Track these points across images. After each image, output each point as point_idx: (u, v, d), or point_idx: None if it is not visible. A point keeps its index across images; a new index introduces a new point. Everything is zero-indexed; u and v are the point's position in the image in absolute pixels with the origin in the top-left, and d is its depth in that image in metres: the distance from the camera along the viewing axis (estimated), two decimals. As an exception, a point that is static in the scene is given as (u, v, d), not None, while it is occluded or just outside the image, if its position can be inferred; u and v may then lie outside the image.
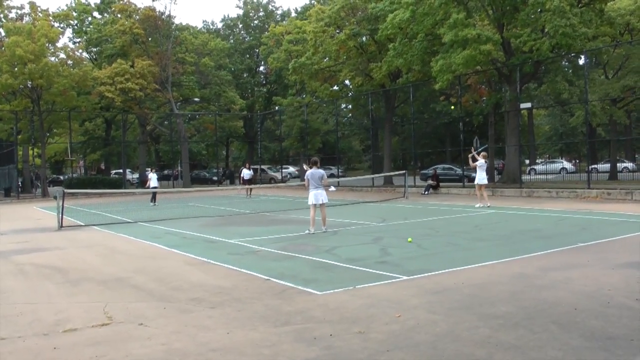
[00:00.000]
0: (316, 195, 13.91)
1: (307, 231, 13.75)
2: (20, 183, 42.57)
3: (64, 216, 17.51)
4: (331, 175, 55.67)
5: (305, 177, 14.26)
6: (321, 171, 14.24)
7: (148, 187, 26.99)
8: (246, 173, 30.42)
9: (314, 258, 10.13)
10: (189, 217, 19.39)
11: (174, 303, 7.26)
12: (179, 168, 53.42)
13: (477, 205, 18.65)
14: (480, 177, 19.06)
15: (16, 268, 10.40)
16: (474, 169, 19.65)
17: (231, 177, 54.13)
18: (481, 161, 19.01)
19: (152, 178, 26.45)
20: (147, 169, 40.09)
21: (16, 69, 35.87)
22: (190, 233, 14.73)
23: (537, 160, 57.42)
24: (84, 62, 42.43)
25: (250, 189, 30.37)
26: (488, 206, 18.61)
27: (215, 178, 49.85)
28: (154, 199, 26.53)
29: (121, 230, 16.08)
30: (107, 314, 6.79)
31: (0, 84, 35.28)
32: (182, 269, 9.68)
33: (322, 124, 51.55)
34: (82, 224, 18.52)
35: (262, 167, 49.65)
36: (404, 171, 27.80)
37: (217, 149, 55.28)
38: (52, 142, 53.57)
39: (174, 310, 6.91)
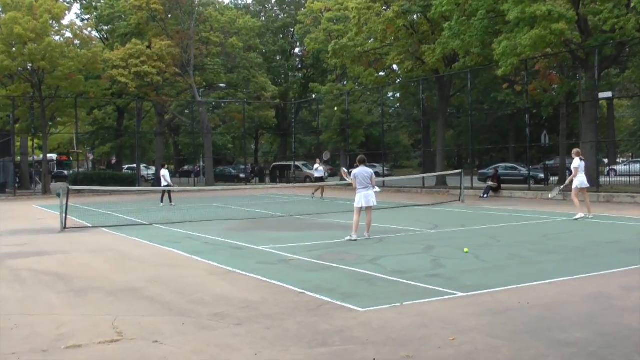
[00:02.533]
0: (366, 197, 13.91)
1: (348, 237, 13.72)
2: (17, 178, 43.54)
3: (68, 216, 17.79)
4: (375, 174, 55.56)
5: (352, 177, 14.24)
6: (370, 170, 14.17)
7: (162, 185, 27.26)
8: (318, 170, 30.35)
9: (355, 269, 10.08)
10: (212, 220, 19.51)
11: (194, 318, 7.28)
12: (201, 163, 53.96)
13: (578, 217, 17.08)
14: (580, 181, 17.43)
15: (12, 274, 10.58)
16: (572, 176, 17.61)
17: (261, 174, 54.47)
18: (577, 161, 17.31)
19: (165, 175, 26.71)
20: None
21: (14, 49, 36.28)
22: (213, 238, 14.81)
23: (618, 160, 56.18)
24: (94, 42, 43.06)
25: (322, 190, 29.75)
26: (591, 217, 17.28)
27: (242, 175, 50.19)
28: (168, 198, 26.71)
29: (134, 233, 16.28)
30: (117, 329, 6.83)
31: None
32: (203, 279, 9.72)
33: (365, 115, 51.50)
34: (89, 225, 18.82)
35: (297, 163, 49.76)
36: (460, 170, 27.51)
37: (245, 142, 55.72)
38: (56, 132, 54.59)
39: (193, 326, 6.93)
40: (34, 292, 8.99)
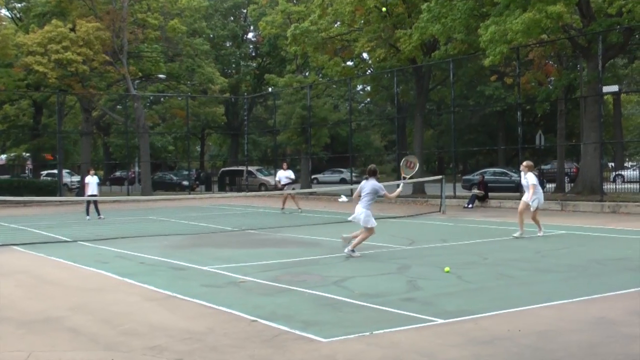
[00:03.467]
0: (356, 213, 14.15)
1: (349, 251, 13.89)
2: None
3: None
4: (342, 181, 55.72)
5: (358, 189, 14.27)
6: (372, 184, 14.09)
7: (86, 195, 26.91)
8: (283, 176, 29.59)
9: (318, 292, 10.08)
10: (148, 236, 19.34)
11: (125, 353, 7.19)
12: (137, 169, 53.50)
13: (517, 234, 16.74)
14: (540, 200, 17.24)
15: None
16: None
17: (208, 181, 54.24)
18: (532, 177, 17.00)
19: (91, 182, 26.41)
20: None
21: None
22: (150, 257, 14.70)
23: (627, 164, 57.22)
24: (3, 23, 42.32)
25: (293, 197, 29.15)
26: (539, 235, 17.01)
27: (185, 183, 49.89)
28: (95, 210, 26.40)
29: (54, 252, 16.01)
30: (33, 367, 6.72)
31: None
32: (138, 305, 9.63)
33: (330, 111, 51.61)
34: (-1, 242, 18.50)
35: (250, 168, 49.68)
36: (441, 176, 27.73)
37: (189, 143, 55.42)
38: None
39: (125, 361, 6.84)
40: None
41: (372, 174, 14.22)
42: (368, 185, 14.05)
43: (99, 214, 26.33)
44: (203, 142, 72.23)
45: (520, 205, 17.24)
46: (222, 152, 79.93)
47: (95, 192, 26.49)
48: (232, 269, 12.62)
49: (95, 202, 26.72)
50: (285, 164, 30.96)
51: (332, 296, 9.78)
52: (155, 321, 8.58)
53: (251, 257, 14.24)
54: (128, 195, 43.20)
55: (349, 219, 14.63)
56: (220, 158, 78.74)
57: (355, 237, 14.28)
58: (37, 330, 8.26)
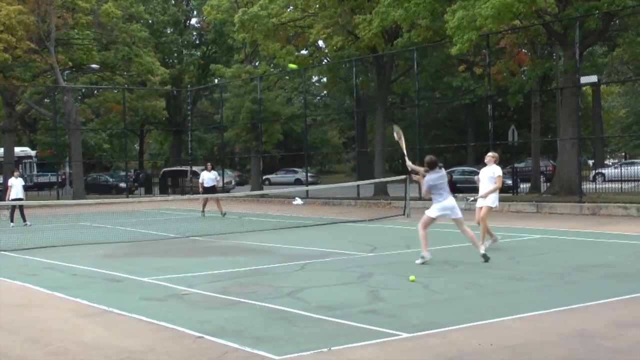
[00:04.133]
0: (452, 208, 13.83)
1: (420, 260, 13.63)
2: None
3: None
4: (297, 182, 55.78)
5: (425, 186, 13.93)
6: (444, 172, 14.13)
7: (8, 199, 26.52)
8: (207, 178, 29.73)
9: (270, 305, 10.08)
10: (80, 244, 19.16)
11: (55, 374, 7.10)
12: (67, 169, 52.87)
13: (486, 246, 15.02)
14: (494, 198, 15.96)
15: None
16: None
17: (147, 182, 53.87)
18: (498, 169, 16.02)
19: (15, 185, 26.06)
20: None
21: None
22: (83, 268, 14.56)
23: (608, 162, 58.10)
24: None
25: (217, 202, 29.26)
26: (491, 243, 15.91)
27: (122, 185, 49.52)
28: (20, 216, 26.09)
29: (-25, 263, 15.77)
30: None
31: None
32: (69, 322, 9.53)
33: (283, 105, 51.56)
34: None
35: (194, 168, 49.42)
36: (404, 176, 27.85)
37: (127, 141, 54.98)
38: None
39: (54, 385, 6.78)
40: None
41: (434, 164, 13.93)
42: (442, 174, 13.96)
43: (24, 220, 26.00)
44: (142, 140, 71.71)
45: (483, 212, 15.71)
46: (164, 150, 79.43)
47: (20, 195, 26.14)
48: (175, 279, 12.56)
49: (20, 207, 26.41)
50: (209, 164, 30.93)
51: (286, 309, 9.78)
52: (88, 339, 8.49)
53: (196, 267, 14.19)
54: (58, 199, 42.73)
55: (458, 216, 13.90)
56: (161, 157, 78.31)
57: (473, 238, 14.01)
58: (-45, 352, 8.11)
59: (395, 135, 17.92)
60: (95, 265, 14.76)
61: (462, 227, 13.98)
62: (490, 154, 16.44)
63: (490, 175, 15.80)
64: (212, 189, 29.65)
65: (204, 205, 29.30)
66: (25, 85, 47.19)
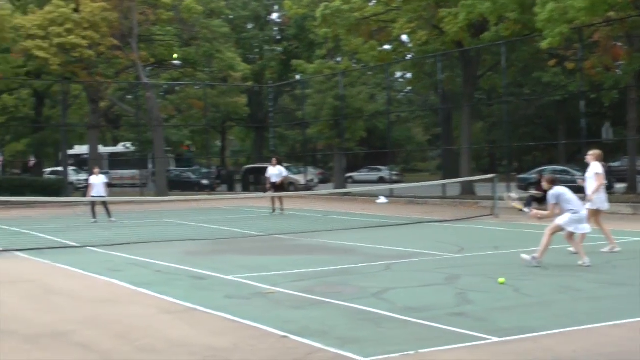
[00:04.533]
0: (583, 222, 13.70)
1: (531, 260, 13.42)
2: None
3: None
4: (381, 180, 55.66)
5: (550, 201, 13.73)
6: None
7: (88, 196, 27.06)
8: (273, 173, 29.79)
9: (355, 305, 10.08)
10: (164, 241, 19.46)
11: (142, 371, 7.26)
12: (150, 166, 53.79)
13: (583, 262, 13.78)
14: (602, 198, 15.85)
15: None
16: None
17: (230, 180, 54.42)
18: (598, 166, 15.82)
19: (95, 183, 26.58)
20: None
21: None
22: (166, 264, 14.80)
23: None
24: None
25: (280, 200, 29.38)
26: (616, 251, 15.45)
27: (205, 182, 50.12)
28: (106, 211, 26.58)
29: (61, 258, 16.19)
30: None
31: None
32: (155, 319, 9.71)
33: (366, 102, 51.50)
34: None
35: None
36: (493, 175, 27.59)
37: (208, 138, 55.65)
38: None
39: (142, 381, 6.93)
40: None
41: (555, 182, 13.80)
42: (569, 192, 13.72)
43: (109, 217, 26.51)
44: (224, 136, 72.44)
45: (592, 216, 15.19)
46: (246, 147, 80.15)
47: (102, 193, 26.60)
48: (258, 278, 12.65)
49: (104, 203, 26.91)
50: (274, 159, 30.86)
51: (372, 310, 9.76)
52: (174, 336, 8.64)
53: (280, 265, 14.28)
54: (142, 195, 43.47)
55: (586, 231, 13.91)
56: (243, 154, 79.04)
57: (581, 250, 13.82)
58: (45, 346, 8.36)
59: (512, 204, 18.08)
60: (179, 262, 14.98)
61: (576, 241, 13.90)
62: (590, 152, 16.21)
63: (589, 174, 15.67)
64: (277, 185, 29.77)
65: (274, 202, 29.33)
66: (109, 82, 48.08)
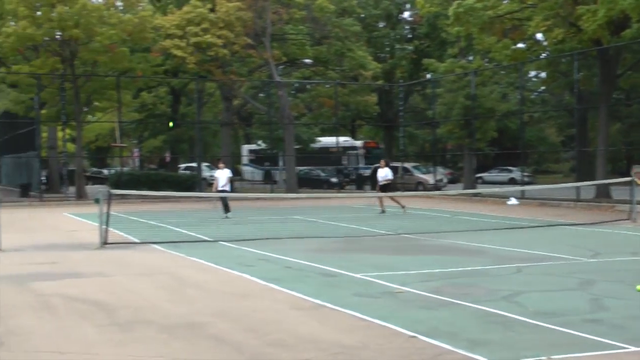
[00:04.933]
0: None
1: None
2: (44, 178, 45.18)
3: (109, 228, 18.36)
4: (511, 181, 54.76)
5: None
6: None
7: (215, 190, 27.56)
8: (380, 175, 30.01)
9: (485, 308, 10.00)
10: (294, 237, 19.78)
11: (272, 365, 7.40)
12: (281, 163, 54.56)
13: None
14: None
15: (39, 300, 11.09)
16: None
17: (359, 178, 54.57)
18: None
19: (220, 177, 27.06)
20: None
21: (39, 12, 37.42)
22: (296, 261, 15.02)
23: None
24: (141, 5, 43.83)
25: (394, 199, 29.44)
26: None
27: (334, 180, 50.42)
28: (226, 207, 27.15)
29: (194, 252, 16.69)
30: (174, 376, 7.06)
31: (16, 34, 36.64)
32: (284, 314, 9.87)
33: (498, 101, 50.73)
34: (136, 240, 19.50)
35: (406, 165, 49.68)
36: (631, 178, 26.72)
37: (337, 136, 55.95)
38: (93, 121, 56.17)
39: (272, 375, 7.05)
40: (66, 324, 9.37)
41: None
42: None
43: (225, 211, 26.87)
44: (353, 135, 72.72)
45: None
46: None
47: (226, 187, 27.09)
48: (387, 277, 12.69)
49: (222, 198, 27.41)
50: (382, 161, 30.95)
51: (502, 312, 9.67)
52: (303, 332, 8.76)
53: (409, 265, 14.29)
54: (272, 192, 44.13)
55: None
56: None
57: None
58: (180, 336, 8.63)
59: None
60: (308, 259, 15.17)
61: None
62: None
63: None
64: (387, 185, 29.61)
65: (382, 203, 29.25)
66: (242, 80, 49.05)
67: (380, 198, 29.34)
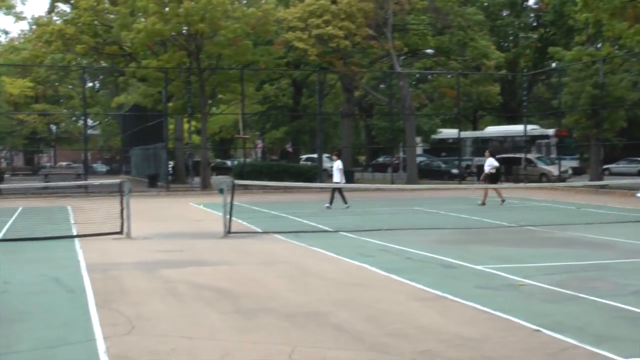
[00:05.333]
0: None
1: None
2: (171, 169, 46.47)
3: (232, 218, 18.71)
4: (639, 173, 52.98)
5: None
6: None
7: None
8: (487, 164, 29.77)
9: (612, 303, 9.76)
10: (414, 229, 19.72)
11: (392, 356, 7.41)
12: (401, 154, 54.43)
13: None
14: None
15: (166, 286, 11.46)
16: None
17: (480, 169, 53.87)
18: None
19: (335, 169, 27.14)
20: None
21: (167, 9, 38.64)
22: (416, 252, 14.98)
23: None
24: (264, -1, 44.57)
25: (498, 191, 29.13)
26: None
27: (454, 171, 49.99)
28: (331, 197, 27.18)
29: (315, 242, 16.86)
30: (296, 363, 7.14)
31: (146, 30, 37.96)
32: (405, 305, 9.87)
33: (628, 90, 49.17)
34: (259, 230, 19.80)
35: (529, 156, 48.72)
36: None
37: (460, 127, 55.38)
38: (217, 113, 57.35)
39: (392, 365, 7.05)
40: (192, 310, 9.65)
41: None
42: None
43: (330, 203, 26.82)
44: (475, 126, 71.92)
45: None
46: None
47: (337, 178, 27.14)
48: (509, 269, 12.54)
49: (334, 190, 27.45)
50: (487, 151, 30.96)
51: (631, 308, 9.42)
52: (424, 323, 8.76)
53: (531, 258, 14.09)
54: (392, 183, 44.12)
55: None
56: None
57: None
58: (301, 325, 8.75)
59: None
60: (429, 250, 15.11)
61: None
62: None
63: None
64: (490, 176, 29.74)
65: (485, 195, 28.88)
66: (363, 71, 49.17)
67: (485, 189, 29.16)
